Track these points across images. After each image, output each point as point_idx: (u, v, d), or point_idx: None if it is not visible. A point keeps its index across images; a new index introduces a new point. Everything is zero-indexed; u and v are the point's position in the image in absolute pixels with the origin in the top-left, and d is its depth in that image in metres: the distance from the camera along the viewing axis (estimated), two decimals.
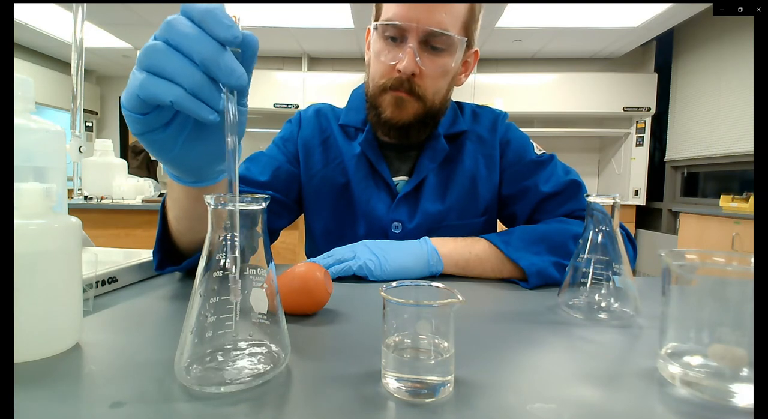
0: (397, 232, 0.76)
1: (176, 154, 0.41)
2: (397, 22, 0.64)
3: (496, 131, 0.80)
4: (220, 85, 0.34)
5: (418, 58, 0.65)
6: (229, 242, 0.31)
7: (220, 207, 0.31)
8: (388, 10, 0.66)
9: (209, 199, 0.31)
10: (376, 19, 0.69)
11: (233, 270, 0.31)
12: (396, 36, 0.66)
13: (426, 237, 0.66)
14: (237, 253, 0.31)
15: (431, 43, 0.66)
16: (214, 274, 0.31)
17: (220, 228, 0.31)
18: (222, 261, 0.31)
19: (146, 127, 0.37)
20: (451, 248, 0.65)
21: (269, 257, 0.33)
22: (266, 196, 0.32)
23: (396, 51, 0.67)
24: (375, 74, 0.71)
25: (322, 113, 0.83)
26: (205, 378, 0.30)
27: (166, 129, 0.38)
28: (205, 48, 0.32)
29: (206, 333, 0.31)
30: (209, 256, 0.31)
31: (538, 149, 0.80)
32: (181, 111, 0.34)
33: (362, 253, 0.63)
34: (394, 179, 0.78)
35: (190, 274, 0.63)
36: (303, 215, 0.85)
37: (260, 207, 0.32)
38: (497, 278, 0.65)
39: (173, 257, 0.59)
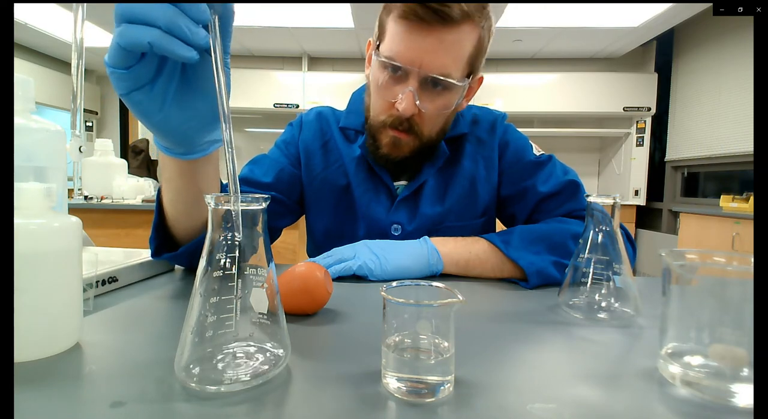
0: (396, 234, 0.76)
1: (164, 115, 0.41)
2: (398, 64, 0.62)
3: (495, 133, 0.80)
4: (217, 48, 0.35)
5: (417, 101, 0.64)
6: (229, 242, 0.31)
7: (220, 207, 0.31)
8: (392, 41, 0.63)
9: (209, 198, 0.31)
10: (379, 38, 0.66)
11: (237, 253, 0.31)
12: (397, 70, 0.64)
13: (426, 237, 0.66)
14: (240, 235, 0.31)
15: (433, 82, 0.64)
16: (215, 274, 0.31)
17: (220, 228, 0.31)
18: (222, 261, 0.31)
19: (132, 83, 0.37)
20: (451, 248, 0.65)
21: (269, 257, 0.33)
22: (266, 196, 0.32)
23: (396, 87, 0.65)
24: (374, 106, 0.70)
25: (322, 116, 0.83)
26: (205, 378, 0.30)
27: (152, 87, 0.39)
28: None
29: (206, 333, 0.31)
30: (209, 256, 0.31)
31: (537, 150, 0.79)
32: (161, 53, 0.35)
33: (362, 253, 0.63)
34: (395, 183, 0.78)
35: (190, 273, 0.64)
36: (304, 215, 0.85)
37: (260, 207, 0.32)
38: (497, 277, 0.65)
39: (170, 244, 0.59)
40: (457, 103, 0.68)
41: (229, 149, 0.35)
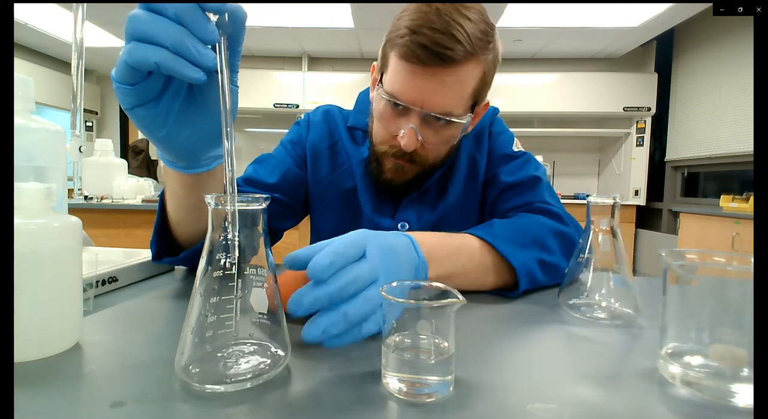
0: (403, 230, 0.76)
1: (167, 131, 0.41)
2: (400, 102, 0.61)
3: (485, 124, 0.81)
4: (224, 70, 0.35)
5: (420, 137, 0.63)
6: (229, 242, 0.31)
7: (220, 207, 0.31)
8: (394, 78, 0.61)
9: (209, 198, 0.31)
10: (382, 68, 0.65)
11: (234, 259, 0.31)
12: (399, 105, 0.63)
13: (420, 250, 0.48)
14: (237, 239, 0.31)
15: (435, 118, 0.62)
16: (215, 274, 0.31)
17: (220, 228, 0.31)
18: (222, 261, 0.31)
19: (137, 98, 0.37)
20: (436, 261, 0.52)
21: (270, 257, 0.33)
22: (266, 195, 0.33)
23: (398, 120, 0.64)
24: (377, 135, 0.70)
25: (330, 115, 0.83)
26: (205, 378, 0.30)
27: (157, 103, 0.39)
28: (177, 4, 0.33)
29: (206, 333, 0.31)
30: (209, 256, 0.31)
31: (517, 146, 0.79)
32: (168, 73, 0.34)
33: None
34: None
35: (190, 273, 0.64)
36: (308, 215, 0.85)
37: (260, 207, 0.32)
38: (479, 290, 0.57)
39: (171, 249, 0.59)
40: (462, 132, 0.68)
41: (230, 168, 0.34)
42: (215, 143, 0.45)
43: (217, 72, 0.35)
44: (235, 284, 0.32)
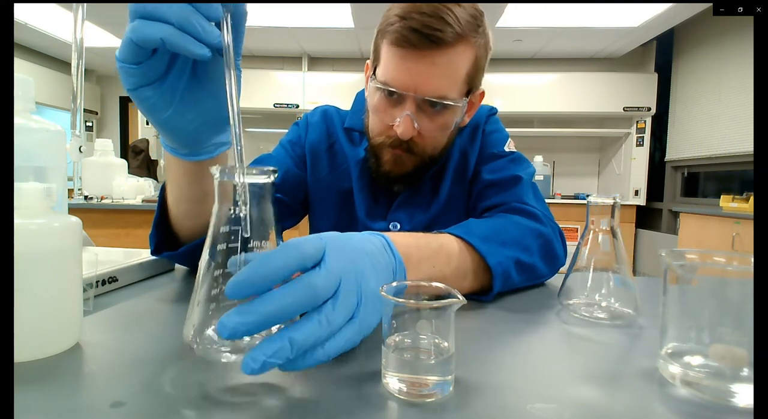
0: (395, 230, 0.76)
1: (172, 113, 0.41)
2: (393, 89, 0.62)
3: (479, 124, 0.80)
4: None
5: (416, 124, 0.63)
6: (237, 216, 0.31)
7: (226, 179, 0.31)
8: (386, 66, 0.62)
9: (214, 170, 0.31)
10: (375, 62, 0.66)
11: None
12: (393, 94, 0.63)
13: (399, 256, 0.45)
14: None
15: (430, 103, 0.63)
16: (219, 247, 0.31)
17: (228, 201, 0.31)
18: (229, 235, 0.31)
19: (142, 78, 0.37)
20: (413, 268, 0.50)
21: (278, 234, 0.34)
22: (274, 168, 0.32)
23: (394, 110, 0.64)
24: (373, 127, 0.70)
25: (328, 115, 0.83)
26: (216, 347, 0.30)
27: (162, 83, 0.38)
28: None
29: (213, 305, 0.31)
30: (216, 230, 0.32)
31: (509, 147, 0.79)
32: (173, 50, 0.34)
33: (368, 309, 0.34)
34: (395, 187, 0.78)
35: (190, 274, 0.64)
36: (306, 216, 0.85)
37: (269, 180, 0.32)
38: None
39: (171, 242, 0.59)
40: (457, 121, 0.67)
41: (238, 147, 0.34)
42: (219, 127, 0.45)
43: (221, 50, 0.35)
44: (239, 257, 0.32)
